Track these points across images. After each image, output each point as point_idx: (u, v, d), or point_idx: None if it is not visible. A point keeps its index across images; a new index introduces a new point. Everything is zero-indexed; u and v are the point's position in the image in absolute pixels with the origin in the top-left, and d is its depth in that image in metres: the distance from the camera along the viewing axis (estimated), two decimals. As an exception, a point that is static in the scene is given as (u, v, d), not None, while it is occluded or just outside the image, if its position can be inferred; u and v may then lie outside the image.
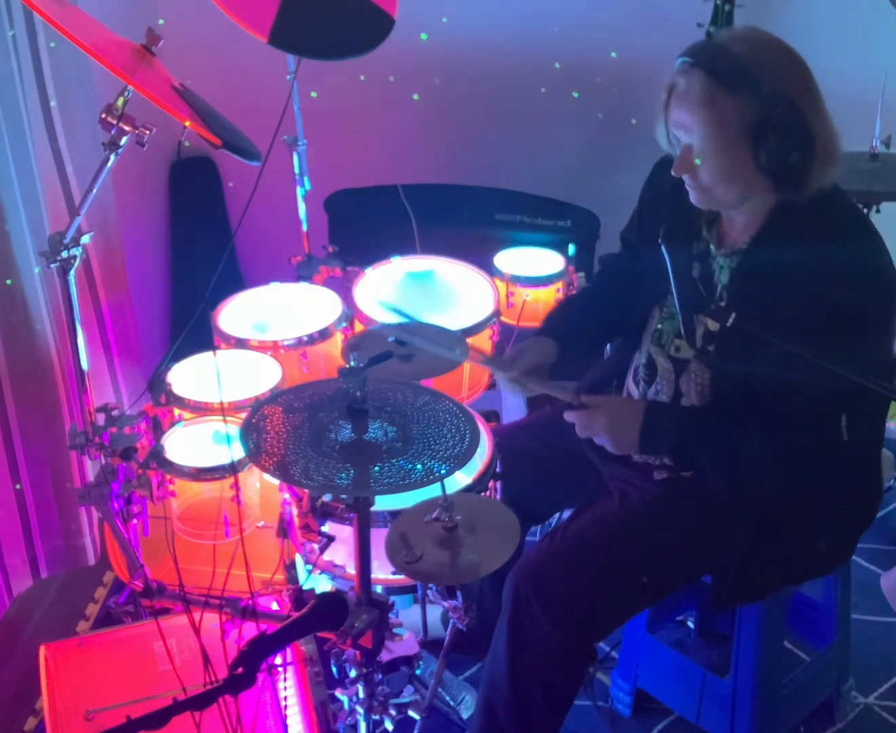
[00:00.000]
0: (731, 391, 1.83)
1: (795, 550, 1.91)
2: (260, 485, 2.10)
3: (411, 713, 1.97)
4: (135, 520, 1.98)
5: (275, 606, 1.94)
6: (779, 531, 1.86)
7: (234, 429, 1.71)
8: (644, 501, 1.92)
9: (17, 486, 2.24)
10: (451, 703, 2.27)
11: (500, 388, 2.44)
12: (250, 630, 1.55)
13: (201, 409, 2.16)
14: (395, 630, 1.68)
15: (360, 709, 1.72)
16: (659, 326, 1.95)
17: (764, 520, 1.85)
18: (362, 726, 1.74)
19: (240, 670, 1.29)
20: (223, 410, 2.08)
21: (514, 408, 2.73)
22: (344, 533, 1.80)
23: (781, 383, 1.70)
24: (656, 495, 1.92)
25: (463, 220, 3.14)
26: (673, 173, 1.79)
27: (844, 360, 1.54)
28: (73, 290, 1.86)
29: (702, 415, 1.88)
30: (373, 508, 1.54)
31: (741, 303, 1.77)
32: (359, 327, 2.44)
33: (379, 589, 1.73)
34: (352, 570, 1.83)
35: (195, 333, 2.12)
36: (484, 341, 2.43)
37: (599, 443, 1.88)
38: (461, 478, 1.89)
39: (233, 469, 1.97)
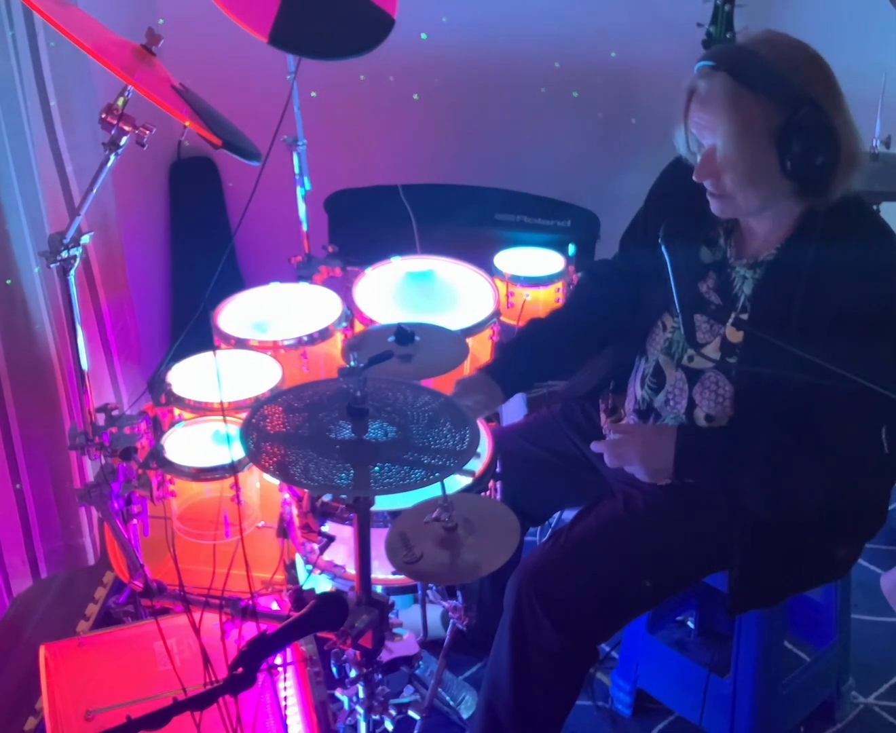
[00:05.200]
0: (759, 406, 1.78)
1: (815, 557, 1.91)
2: (260, 485, 2.10)
3: (411, 713, 1.97)
4: (135, 520, 1.98)
5: (275, 606, 1.94)
6: (800, 538, 1.85)
7: (234, 429, 1.71)
8: (649, 505, 1.91)
9: (17, 486, 2.24)
10: (451, 703, 2.27)
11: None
12: (250, 630, 1.55)
13: (201, 409, 2.16)
14: (395, 630, 1.67)
15: (360, 709, 1.72)
16: (669, 336, 1.93)
17: (784, 527, 1.83)
18: (362, 726, 1.74)
19: (240, 670, 1.29)
20: (223, 410, 2.08)
21: (514, 409, 2.73)
22: (344, 533, 1.80)
23: (820, 397, 1.67)
24: (661, 499, 1.90)
25: (463, 220, 3.15)
26: (695, 178, 1.75)
27: (888, 369, 1.52)
28: (73, 290, 1.86)
29: (738, 436, 1.81)
30: (373, 508, 1.54)
31: (767, 313, 1.76)
32: (359, 327, 2.44)
33: (379, 589, 1.73)
34: (352, 570, 1.83)
35: (195, 333, 2.12)
36: (484, 341, 2.43)
37: (630, 472, 1.87)
38: (461, 479, 1.89)
39: (233, 469, 1.97)
